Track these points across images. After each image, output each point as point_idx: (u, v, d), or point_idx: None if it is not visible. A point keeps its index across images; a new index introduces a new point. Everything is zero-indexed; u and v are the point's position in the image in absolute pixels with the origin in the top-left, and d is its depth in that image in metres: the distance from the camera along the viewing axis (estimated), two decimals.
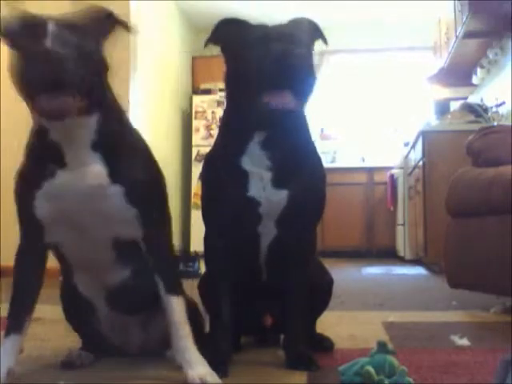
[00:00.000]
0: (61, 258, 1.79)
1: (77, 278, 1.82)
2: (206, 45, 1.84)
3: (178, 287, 1.72)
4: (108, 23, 1.66)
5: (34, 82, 1.42)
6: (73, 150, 1.58)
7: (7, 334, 1.64)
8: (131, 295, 1.80)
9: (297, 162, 1.78)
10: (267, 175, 1.75)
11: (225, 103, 1.89)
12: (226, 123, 1.87)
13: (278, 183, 1.75)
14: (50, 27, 1.47)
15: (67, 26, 1.50)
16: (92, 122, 1.58)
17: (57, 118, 1.46)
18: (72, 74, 1.42)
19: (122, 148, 1.66)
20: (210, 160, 1.88)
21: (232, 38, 1.74)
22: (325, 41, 1.85)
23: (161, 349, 1.88)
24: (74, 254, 1.75)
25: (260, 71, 1.59)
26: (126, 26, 1.68)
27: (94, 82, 1.53)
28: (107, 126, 1.62)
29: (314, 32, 1.83)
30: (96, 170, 1.60)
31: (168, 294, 1.67)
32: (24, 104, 1.49)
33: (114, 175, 1.61)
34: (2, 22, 1.55)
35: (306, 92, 1.67)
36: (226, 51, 1.79)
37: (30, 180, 1.63)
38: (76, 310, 1.90)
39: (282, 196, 1.75)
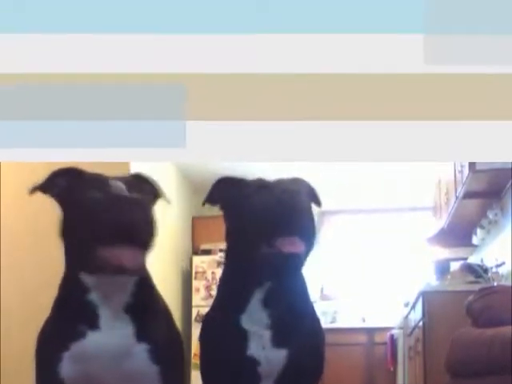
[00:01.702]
0: None
1: None
2: (203, 204, 1.86)
3: None
4: (153, 193, 1.71)
5: (104, 229, 1.42)
6: (108, 312, 1.58)
7: None
8: None
9: (296, 320, 1.76)
10: (267, 334, 1.72)
11: (224, 263, 1.89)
12: (225, 282, 1.86)
13: (277, 342, 1.72)
14: (112, 182, 1.50)
15: (126, 182, 1.53)
16: (131, 283, 1.60)
17: (123, 272, 1.46)
18: (148, 227, 1.44)
19: (149, 309, 1.67)
20: (208, 320, 1.86)
21: (230, 193, 1.77)
22: (318, 203, 1.87)
23: None
24: None
25: (266, 217, 1.60)
26: (166, 200, 1.74)
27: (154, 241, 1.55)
28: (140, 288, 1.63)
29: (309, 193, 1.85)
30: (124, 332, 1.59)
31: None
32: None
33: (140, 335, 1.61)
34: (51, 180, 1.59)
35: (312, 239, 1.66)
36: (224, 208, 1.81)
37: (57, 340, 1.59)
38: None
39: (281, 355, 1.72)
